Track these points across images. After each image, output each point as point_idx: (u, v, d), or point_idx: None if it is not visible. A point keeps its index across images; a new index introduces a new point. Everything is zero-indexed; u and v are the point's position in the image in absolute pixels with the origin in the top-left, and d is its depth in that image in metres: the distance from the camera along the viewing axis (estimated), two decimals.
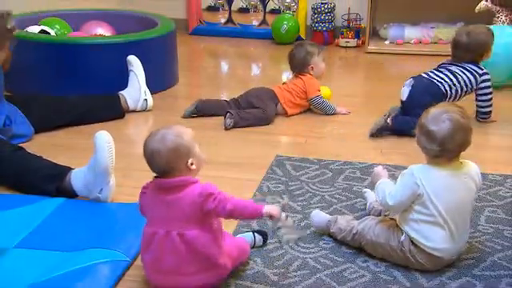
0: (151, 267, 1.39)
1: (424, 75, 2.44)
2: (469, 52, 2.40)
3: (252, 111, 2.47)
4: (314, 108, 2.60)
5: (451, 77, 2.40)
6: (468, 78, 2.40)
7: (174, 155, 1.34)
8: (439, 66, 2.48)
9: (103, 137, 1.75)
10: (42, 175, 1.83)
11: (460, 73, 2.41)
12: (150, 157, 1.36)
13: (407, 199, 1.44)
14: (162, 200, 1.36)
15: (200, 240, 1.33)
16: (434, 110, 1.43)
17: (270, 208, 1.35)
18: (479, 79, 2.41)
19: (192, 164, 1.36)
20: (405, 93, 2.42)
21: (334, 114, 2.61)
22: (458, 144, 1.41)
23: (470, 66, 2.42)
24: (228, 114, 2.43)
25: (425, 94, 2.31)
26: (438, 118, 1.40)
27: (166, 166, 1.34)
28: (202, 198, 1.32)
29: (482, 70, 2.42)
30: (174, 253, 1.34)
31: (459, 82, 2.39)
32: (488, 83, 2.42)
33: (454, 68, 2.42)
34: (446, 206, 1.43)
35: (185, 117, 2.54)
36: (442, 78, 2.40)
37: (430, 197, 1.42)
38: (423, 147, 1.44)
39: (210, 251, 1.34)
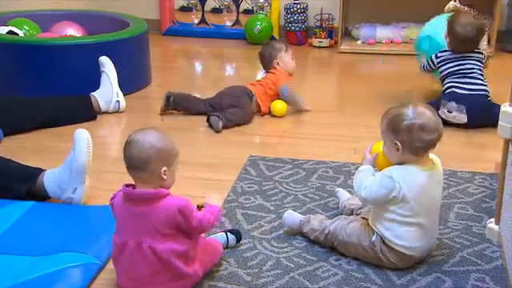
0: (123, 276, 1.38)
1: (462, 91, 2.43)
2: (475, 42, 2.49)
3: (233, 112, 2.46)
4: (283, 98, 2.59)
5: (479, 76, 2.45)
6: (479, 65, 2.48)
7: (154, 154, 1.32)
8: (457, 69, 2.47)
9: (83, 134, 1.74)
10: (12, 177, 1.79)
11: (476, 66, 2.47)
12: (129, 144, 1.32)
13: (381, 197, 1.44)
14: (132, 211, 1.34)
15: (173, 252, 1.32)
16: (404, 110, 1.43)
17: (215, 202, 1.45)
18: (483, 60, 2.52)
19: (165, 174, 1.34)
20: (462, 118, 2.40)
21: (299, 107, 2.61)
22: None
23: (474, 54, 2.49)
24: (214, 117, 2.41)
25: (483, 114, 2.37)
26: (417, 112, 1.42)
27: (142, 159, 1.31)
28: (183, 217, 1.32)
29: (481, 53, 2.52)
30: (146, 264, 1.33)
31: (481, 74, 2.47)
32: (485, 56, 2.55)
33: (470, 65, 2.46)
34: (422, 206, 1.44)
35: (163, 113, 2.55)
36: (480, 84, 2.44)
37: (406, 198, 1.43)
38: (421, 142, 1.41)
39: (183, 262, 1.34)
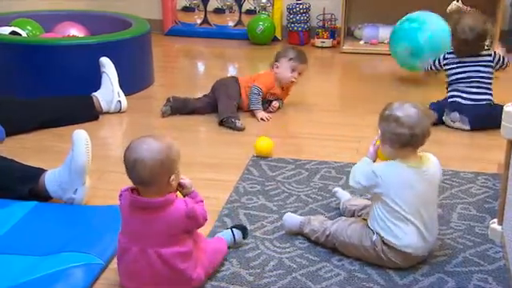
0: (126, 277, 1.38)
1: (465, 102, 2.41)
2: (475, 46, 2.44)
3: (225, 103, 2.52)
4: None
5: (485, 85, 2.43)
6: (486, 70, 2.45)
7: (159, 167, 1.28)
8: (462, 76, 2.45)
9: (81, 134, 1.74)
10: (14, 177, 1.79)
11: (483, 71, 2.44)
12: (132, 165, 1.28)
13: (360, 186, 1.50)
14: (138, 217, 1.34)
15: (178, 256, 1.33)
16: (394, 103, 1.47)
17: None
18: (494, 62, 2.47)
19: (173, 180, 1.33)
20: (465, 127, 2.40)
21: (252, 110, 2.56)
22: (424, 129, 1.44)
23: (480, 58, 2.45)
24: (230, 121, 2.44)
25: (486, 121, 2.35)
26: (402, 106, 1.45)
27: (149, 177, 1.29)
28: (191, 220, 1.33)
29: (490, 54, 2.48)
30: (150, 268, 1.33)
31: (489, 81, 2.44)
32: (499, 57, 2.48)
33: (476, 72, 2.43)
34: (406, 202, 1.45)
35: (164, 116, 2.56)
36: (484, 93, 2.41)
37: (389, 195, 1.44)
38: (393, 134, 1.44)
39: (186, 266, 1.35)
